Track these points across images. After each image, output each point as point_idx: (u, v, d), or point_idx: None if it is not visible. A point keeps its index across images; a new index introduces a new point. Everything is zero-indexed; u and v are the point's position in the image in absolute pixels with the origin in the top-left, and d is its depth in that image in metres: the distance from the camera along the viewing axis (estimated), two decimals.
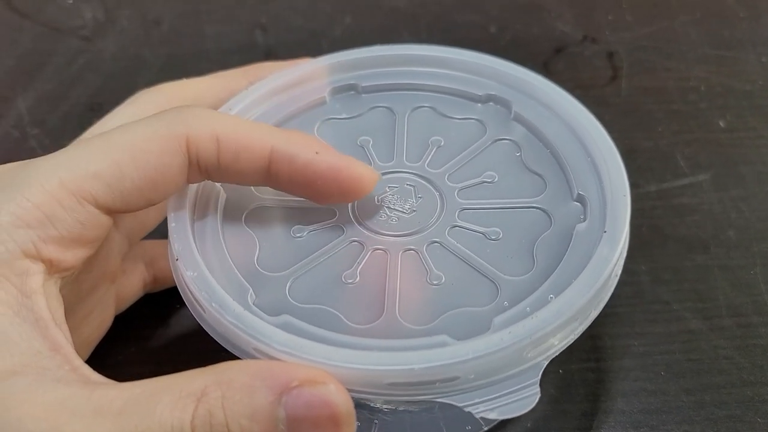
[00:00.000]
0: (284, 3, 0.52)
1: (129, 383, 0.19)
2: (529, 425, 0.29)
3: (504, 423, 0.29)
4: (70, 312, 0.27)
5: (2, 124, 0.43)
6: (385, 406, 0.28)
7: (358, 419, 0.28)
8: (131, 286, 0.31)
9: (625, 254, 0.24)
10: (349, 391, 0.20)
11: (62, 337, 0.21)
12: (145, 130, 0.23)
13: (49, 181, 0.21)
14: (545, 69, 0.46)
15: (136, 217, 0.30)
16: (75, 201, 0.22)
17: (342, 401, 0.19)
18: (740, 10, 0.50)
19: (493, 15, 0.50)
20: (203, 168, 0.24)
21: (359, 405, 0.28)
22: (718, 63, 0.46)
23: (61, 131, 0.43)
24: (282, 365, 0.20)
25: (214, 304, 0.22)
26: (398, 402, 0.26)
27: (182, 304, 0.24)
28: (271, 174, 0.24)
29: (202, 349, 0.24)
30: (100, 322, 0.29)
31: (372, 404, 0.28)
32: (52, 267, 0.22)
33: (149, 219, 0.30)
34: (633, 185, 0.38)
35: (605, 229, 0.24)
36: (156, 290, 0.32)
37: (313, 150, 0.24)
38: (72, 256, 0.22)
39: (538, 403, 0.29)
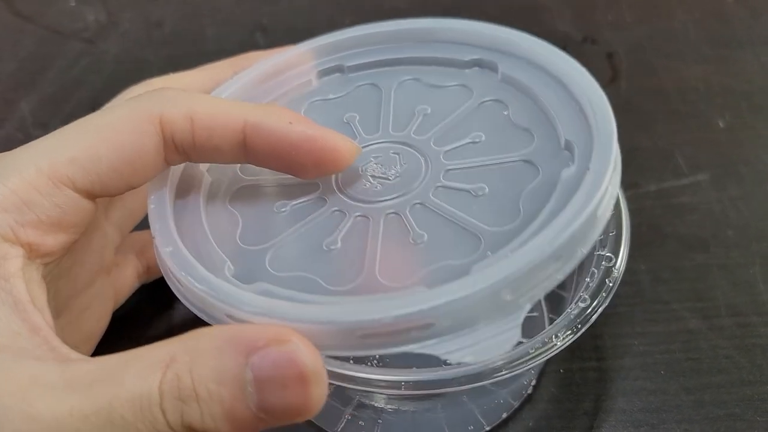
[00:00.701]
0: (285, 4, 0.52)
1: (103, 356, 0.20)
2: (530, 424, 0.29)
3: (506, 421, 0.29)
4: (67, 306, 0.27)
5: (5, 126, 0.44)
6: (388, 406, 0.28)
7: (362, 419, 0.29)
8: (125, 277, 0.31)
9: (615, 195, 0.23)
10: (322, 349, 0.19)
11: (41, 319, 0.21)
12: (119, 113, 0.23)
13: (26, 169, 0.22)
14: None
15: (125, 207, 0.30)
16: (52, 185, 0.22)
17: (308, 359, 0.19)
18: (739, 10, 0.50)
19: (493, 15, 0.50)
20: (179, 147, 0.24)
21: (363, 405, 0.28)
22: (717, 63, 0.46)
23: None
24: (250, 327, 0.20)
25: (186, 274, 0.22)
26: (377, 351, 0.25)
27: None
28: (248, 148, 0.24)
29: None
30: (99, 316, 0.29)
31: (375, 404, 0.28)
32: (31, 251, 0.22)
33: (137, 208, 0.31)
34: (633, 185, 0.38)
35: (589, 167, 0.22)
36: (150, 280, 0.33)
37: (286, 120, 0.24)
38: (52, 241, 0.23)
39: (539, 402, 0.30)
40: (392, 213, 0.24)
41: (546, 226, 0.21)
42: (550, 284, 0.21)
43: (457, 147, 0.26)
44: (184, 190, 0.26)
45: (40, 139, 0.23)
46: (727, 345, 0.31)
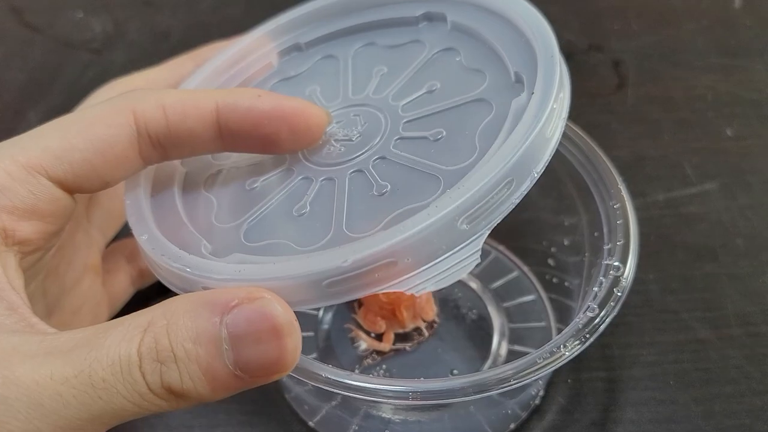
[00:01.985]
0: None
1: (83, 328, 0.20)
2: None
3: None
4: (58, 306, 0.28)
5: (14, 136, 0.44)
6: (395, 417, 0.28)
7: (369, 429, 0.28)
8: (119, 283, 0.32)
9: (565, 115, 0.23)
10: (294, 305, 0.20)
11: (19, 299, 0.22)
12: (93, 110, 0.24)
13: (2, 160, 0.23)
14: None
15: (103, 206, 0.31)
16: (26, 173, 0.23)
17: (280, 312, 0.20)
18: (747, 18, 0.50)
19: None
20: (154, 137, 0.24)
21: (370, 416, 0.28)
22: (724, 71, 0.46)
23: None
24: (223, 290, 0.20)
25: (161, 255, 0.23)
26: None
27: None
28: (222, 129, 0.24)
29: None
30: (92, 318, 0.30)
31: (383, 415, 0.28)
32: (7, 236, 0.23)
33: (117, 209, 0.32)
34: (640, 194, 0.38)
35: (533, 91, 0.23)
36: (146, 285, 0.33)
37: (255, 94, 0.25)
38: (28, 227, 0.23)
39: (547, 412, 0.30)
40: (355, 171, 0.25)
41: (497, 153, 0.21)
42: (507, 208, 0.21)
43: (414, 99, 0.27)
44: (160, 184, 0.26)
45: (18, 136, 0.24)
46: (737, 355, 0.31)
